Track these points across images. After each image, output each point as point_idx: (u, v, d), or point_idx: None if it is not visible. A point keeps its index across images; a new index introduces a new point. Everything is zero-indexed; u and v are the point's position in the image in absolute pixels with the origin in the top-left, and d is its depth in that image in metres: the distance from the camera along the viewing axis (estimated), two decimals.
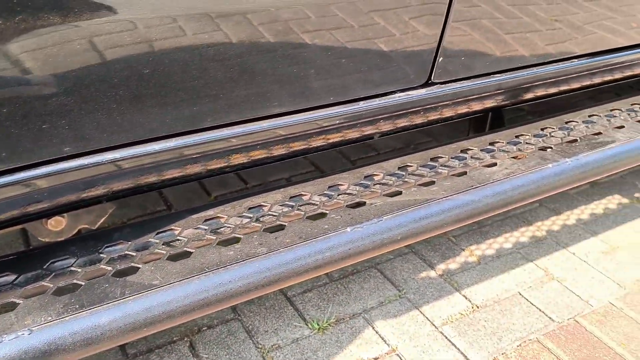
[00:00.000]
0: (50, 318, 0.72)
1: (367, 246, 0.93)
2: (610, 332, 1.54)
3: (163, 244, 0.88)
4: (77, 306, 0.74)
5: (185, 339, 1.46)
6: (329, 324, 1.53)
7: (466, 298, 1.65)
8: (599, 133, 1.24)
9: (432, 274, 1.74)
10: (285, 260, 0.85)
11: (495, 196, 1.04)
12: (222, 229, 0.92)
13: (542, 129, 1.26)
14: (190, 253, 0.85)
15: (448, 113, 1.08)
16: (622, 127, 1.27)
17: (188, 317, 0.78)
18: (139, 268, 0.81)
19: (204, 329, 1.50)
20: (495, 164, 1.12)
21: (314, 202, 1.00)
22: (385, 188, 1.04)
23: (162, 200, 1.93)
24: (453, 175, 1.08)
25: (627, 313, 1.61)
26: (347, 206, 0.98)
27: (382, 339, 1.50)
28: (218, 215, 0.94)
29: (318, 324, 1.52)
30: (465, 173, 1.09)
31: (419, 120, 1.03)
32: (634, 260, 1.80)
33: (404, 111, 1.00)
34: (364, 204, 0.99)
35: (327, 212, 0.96)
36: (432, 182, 1.06)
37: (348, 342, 1.49)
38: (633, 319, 1.59)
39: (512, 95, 1.21)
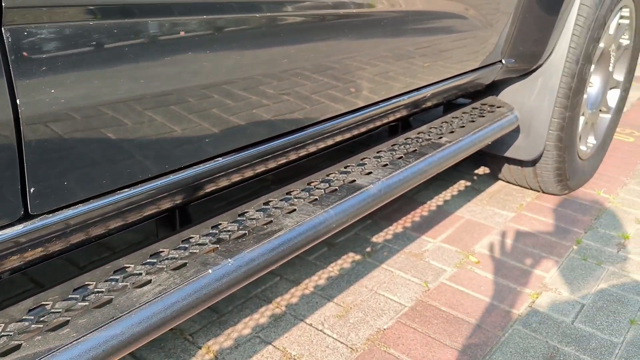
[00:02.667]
0: None
1: None
2: None
3: None
4: None
5: None
6: None
7: None
8: (270, 222, 1.24)
9: None
10: None
11: (142, 323, 0.93)
12: None
13: (213, 227, 1.21)
14: None
15: (68, 242, 0.95)
16: (294, 210, 1.29)
17: None
18: None
19: None
20: (149, 282, 1.02)
21: None
22: (1, 343, 0.86)
23: None
24: (95, 307, 0.95)
25: None
26: None
27: None
28: None
29: None
30: (110, 301, 0.96)
31: (32, 255, 0.89)
32: (364, 318, 1.87)
33: (8, 250, 0.85)
34: None
35: None
36: (66, 323, 0.91)
37: None
38: None
39: (173, 199, 1.14)
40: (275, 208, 1.31)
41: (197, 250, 1.12)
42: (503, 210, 2.57)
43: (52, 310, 0.94)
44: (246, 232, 1.20)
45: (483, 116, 2.00)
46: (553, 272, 2.13)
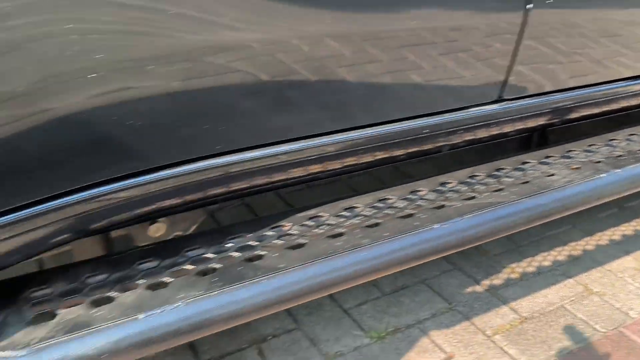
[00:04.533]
0: (199, 293, 0.83)
1: (451, 242, 1.04)
2: None
3: (278, 237, 0.99)
4: (221, 284, 0.85)
5: (254, 347, 1.55)
6: (387, 334, 1.62)
7: (513, 310, 1.74)
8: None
9: (478, 288, 1.83)
10: (388, 249, 0.96)
11: (560, 200, 1.16)
12: (324, 225, 1.04)
13: (589, 145, 1.39)
14: (305, 244, 0.97)
15: (515, 127, 1.21)
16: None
17: (310, 297, 0.89)
18: (263, 255, 0.93)
19: (270, 338, 1.59)
20: (553, 174, 1.24)
21: (397, 206, 1.12)
22: (467, 193, 1.16)
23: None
24: (520, 183, 1.20)
25: None
26: (432, 208, 1.10)
27: (438, 347, 1.58)
28: (319, 214, 1.06)
29: (377, 333, 1.61)
30: (529, 182, 1.21)
31: (491, 132, 1.17)
32: None
33: (478, 124, 1.14)
34: (442, 206, 1.11)
35: (414, 212, 1.08)
36: (502, 189, 1.18)
37: (406, 350, 1.58)
38: None
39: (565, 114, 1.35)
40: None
41: (583, 161, 1.32)
42: None
43: (483, 180, 1.22)
44: (622, 154, 1.35)
45: None
46: None
